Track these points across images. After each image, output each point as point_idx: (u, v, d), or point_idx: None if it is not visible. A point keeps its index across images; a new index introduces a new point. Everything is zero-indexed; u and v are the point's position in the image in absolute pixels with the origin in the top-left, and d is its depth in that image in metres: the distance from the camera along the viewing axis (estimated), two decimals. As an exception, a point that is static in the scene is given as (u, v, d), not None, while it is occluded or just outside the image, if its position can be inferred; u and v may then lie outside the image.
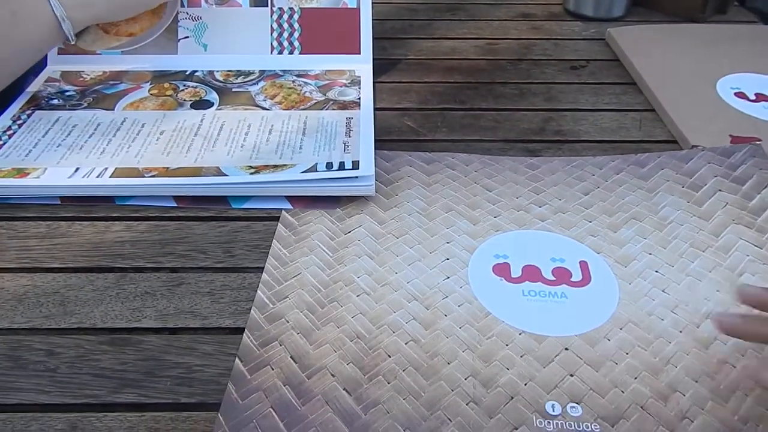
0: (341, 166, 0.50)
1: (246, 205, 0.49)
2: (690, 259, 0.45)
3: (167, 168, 0.51)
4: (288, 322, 0.40)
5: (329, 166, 0.51)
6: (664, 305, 0.42)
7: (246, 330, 0.39)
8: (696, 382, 0.37)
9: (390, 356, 0.38)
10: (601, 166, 0.54)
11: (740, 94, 0.64)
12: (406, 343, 0.39)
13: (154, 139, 0.55)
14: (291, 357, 0.38)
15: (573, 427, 0.34)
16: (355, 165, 0.50)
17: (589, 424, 0.35)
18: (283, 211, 0.48)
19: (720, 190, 0.50)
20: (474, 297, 0.42)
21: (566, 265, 0.44)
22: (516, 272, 0.44)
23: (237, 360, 0.38)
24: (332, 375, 0.37)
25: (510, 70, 0.70)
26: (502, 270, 0.44)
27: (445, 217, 0.48)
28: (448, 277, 0.43)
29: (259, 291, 0.42)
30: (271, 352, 0.38)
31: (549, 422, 0.35)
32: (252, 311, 0.41)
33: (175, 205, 0.50)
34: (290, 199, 0.49)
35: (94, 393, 0.36)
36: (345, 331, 0.40)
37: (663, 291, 0.43)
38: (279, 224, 0.47)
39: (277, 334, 0.39)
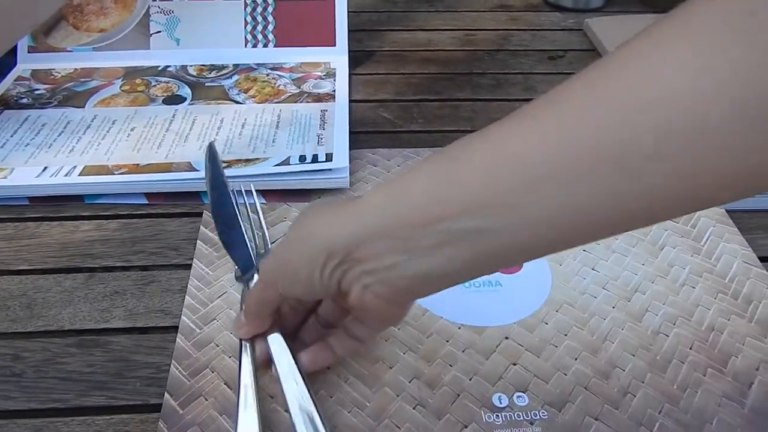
0: (314, 159, 0.50)
1: (218, 201, 0.48)
2: (614, 236, 0.45)
3: (137, 165, 0.50)
4: (218, 346, 0.38)
5: (302, 158, 0.50)
6: (596, 283, 0.42)
7: (173, 360, 0.37)
8: (633, 356, 0.37)
9: (329, 368, 0.37)
10: None
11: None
12: None
13: (124, 136, 0.54)
14: (225, 383, 0.36)
15: (521, 417, 0.34)
16: (329, 157, 0.50)
17: (536, 412, 0.34)
18: (201, 227, 0.46)
19: None
20: None
21: None
22: None
23: (166, 395, 0.35)
24: (271, 397, 0.35)
25: (487, 60, 0.70)
26: None
27: None
28: None
29: (183, 317, 0.39)
30: (203, 381, 0.36)
31: (498, 415, 0.34)
32: (177, 339, 0.38)
33: (146, 202, 0.49)
34: (263, 193, 0.48)
35: (61, 397, 0.36)
36: None
37: (593, 269, 0.43)
38: (198, 242, 0.44)
39: (208, 360, 0.37)
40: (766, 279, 0.42)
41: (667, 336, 0.39)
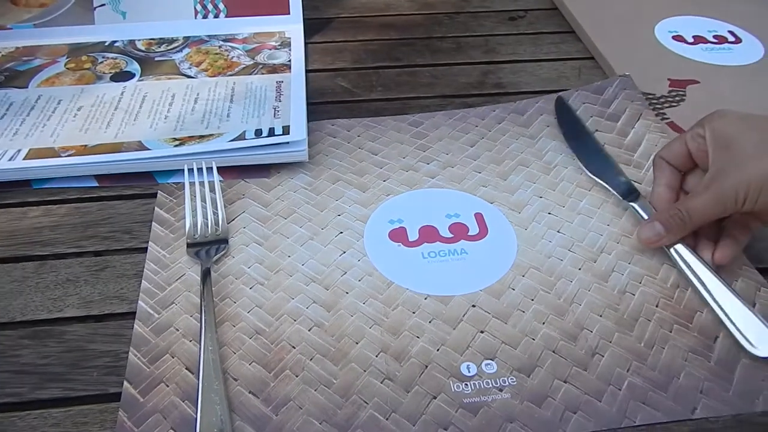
0: (271, 133, 0.48)
1: (173, 180, 0.47)
2: (578, 198, 0.45)
3: (85, 146, 0.47)
4: (178, 330, 0.36)
5: (259, 133, 0.48)
6: (561, 245, 0.42)
7: (131, 347, 0.35)
8: (600, 316, 0.38)
9: (294, 347, 0.36)
10: (483, 117, 0.53)
11: (678, 38, 0.63)
12: (309, 330, 0.37)
13: (71, 116, 0.51)
14: (187, 368, 0.35)
15: (490, 385, 0.34)
16: (286, 130, 0.48)
17: (505, 379, 0.34)
18: (156, 209, 0.44)
19: (598, 130, 0.51)
20: (374, 268, 0.40)
21: (462, 220, 0.43)
22: (413, 235, 0.42)
23: (125, 383, 0.34)
24: (235, 379, 0.34)
25: (447, 23, 0.68)
26: (398, 235, 0.42)
27: (332, 188, 0.46)
28: (344, 252, 0.41)
29: (140, 302, 0.38)
30: (164, 367, 0.35)
31: (466, 384, 0.34)
32: (135, 325, 0.37)
33: (97, 184, 0.47)
34: (219, 170, 0.47)
35: (15, 391, 0.34)
36: (242, 328, 0.37)
37: (558, 231, 0.43)
38: (153, 224, 0.43)
39: (168, 345, 0.36)
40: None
41: (633, 295, 0.39)
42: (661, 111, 0.53)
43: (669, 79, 0.57)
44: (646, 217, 0.42)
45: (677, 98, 0.54)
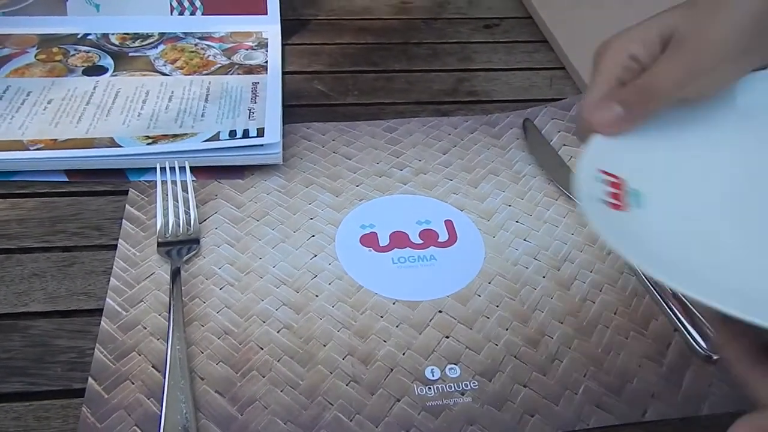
0: (245, 134, 0.48)
1: (145, 178, 0.47)
2: (545, 207, 0.47)
3: (55, 140, 0.47)
4: (146, 328, 0.37)
5: (233, 134, 0.48)
6: (527, 253, 0.43)
7: (97, 344, 0.35)
8: (561, 323, 0.39)
9: (262, 348, 0.36)
10: (456, 126, 0.54)
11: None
12: (278, 332, 0.37)
13: (40, 109, 0.50)
14: (153, 366, 0.35)
15: (453, 389, 0.35)
16: (260, 132, 0.48)
17: (467, 383, 0.35)
18: (126, 206, 0.44)
19: (565, 144, 0.52)
20: (344, 272, 0.41)
21: (432, 227, 0.44)
22: (384, 240, 0.43)
23: (90, 379, 0.34)
24: (201, 378, 0.34)
25: (424, 29, 0.69)
26: (369, 240, 0.43)
27: (305, 191, 0.46)
28: (316, 255, 0.42)
29: (108, 299, 0.38)
30: (130, 365, 0.35)
31: (429, 388, 0.35)
32: (102, 322, 0.37)
33: (67, 179, 0.46)
34: (193, 170, 0.47)
35: (-23, 385, 0.34)
36: (211, 328, 0.37)
37: (524, 240, 0.44)
38: (124, 221, 0.43)
39: (135, 343, 0.36)
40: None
41: (594, 302, 0.40)
42: None
43: None
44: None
45: None
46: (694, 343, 0.37)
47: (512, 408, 0.34)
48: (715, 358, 0.36)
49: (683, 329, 0.38)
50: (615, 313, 0.40)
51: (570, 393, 0.35)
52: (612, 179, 0.30)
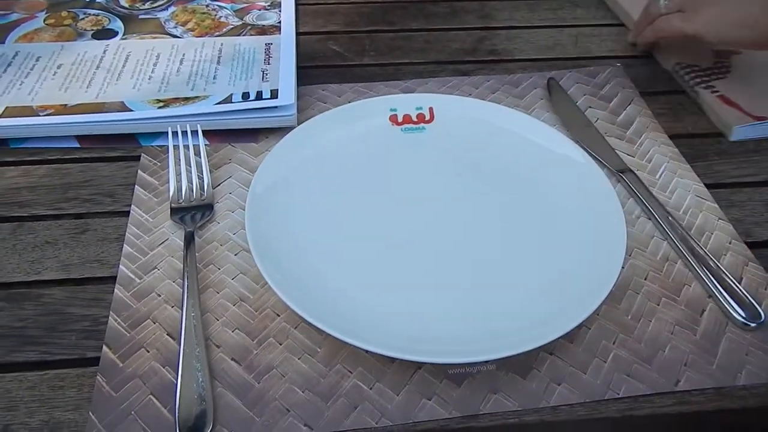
0: (259, 96, 0.47)
1: (157, 143, 0.45)
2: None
3: (65, 105, 0.46)
4: (160, 295, 0.36)
5: (245, 96, 0.47)
6: None
7: (111, 312, 0.35)
8: None
9: (279, 315, 0.35)
10: (477, 86, 0.52)
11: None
12: None
13: (50, 74, 0.49)
14: (168, 334, 0.34)
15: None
16: (274, 94, 0.47)
17: None
18: (139, 172, 0.43)
19: (590, 107, 0.50)
20: None
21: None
22: None
23: (105, 348, 0.33)
24: (217, 346, 0.34)
25: (442, -13, 0.66)
26: None
27: None
28: None
29: (121, 266, 0.37)
30: (144, 333, 0.34)
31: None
32: (115, 290, 0.36)
33: (78, 145, 0.45)
34: (205, 133, 0.45)
35: (-9, 353, 0.33)
36: (226, 295, 0.36)
37: None
38: (136, 187, 0.42)
39: (149, 311, 0.35)
40: (716, 212, 0.42)
41: (623, 267, 0.38)
42: (710, 84, 0.51)
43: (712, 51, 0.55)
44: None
45: (723, 69, 0.53)
46: (730, 309, 0.35)
47: (538, 376, 0.33)
48: (752, 325, 0.35)
49: (718, 296, 0.36)
50: (645, 279, 0.38)
51: (598, 361, 0.34)
52: None
